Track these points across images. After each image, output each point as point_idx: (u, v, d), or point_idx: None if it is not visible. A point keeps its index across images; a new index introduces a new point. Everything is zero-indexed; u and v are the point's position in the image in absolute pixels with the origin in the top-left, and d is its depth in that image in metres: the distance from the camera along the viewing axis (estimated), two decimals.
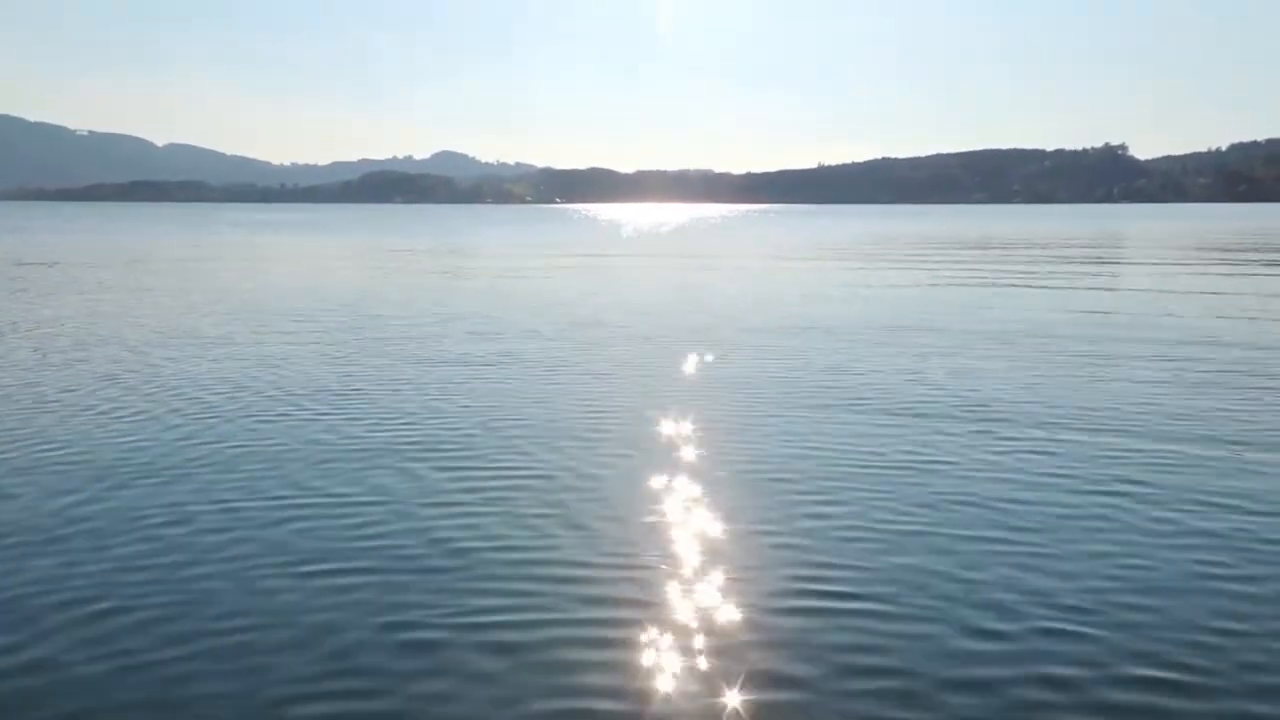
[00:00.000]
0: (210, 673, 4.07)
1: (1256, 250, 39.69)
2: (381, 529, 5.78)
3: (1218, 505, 6.18)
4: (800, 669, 4.06)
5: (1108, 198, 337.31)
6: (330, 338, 13.91)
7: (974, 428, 8.23)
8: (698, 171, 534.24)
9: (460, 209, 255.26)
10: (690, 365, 11.61)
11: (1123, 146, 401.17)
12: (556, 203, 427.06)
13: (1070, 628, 4.42)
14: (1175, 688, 3.95)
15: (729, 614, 4.59)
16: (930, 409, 9.00)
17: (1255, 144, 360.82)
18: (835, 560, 5.25)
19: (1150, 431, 8.08)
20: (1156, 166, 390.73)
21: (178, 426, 8.35)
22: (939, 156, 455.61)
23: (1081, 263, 32.95)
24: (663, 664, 4.13)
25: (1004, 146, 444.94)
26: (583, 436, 8.03)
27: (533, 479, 6.80)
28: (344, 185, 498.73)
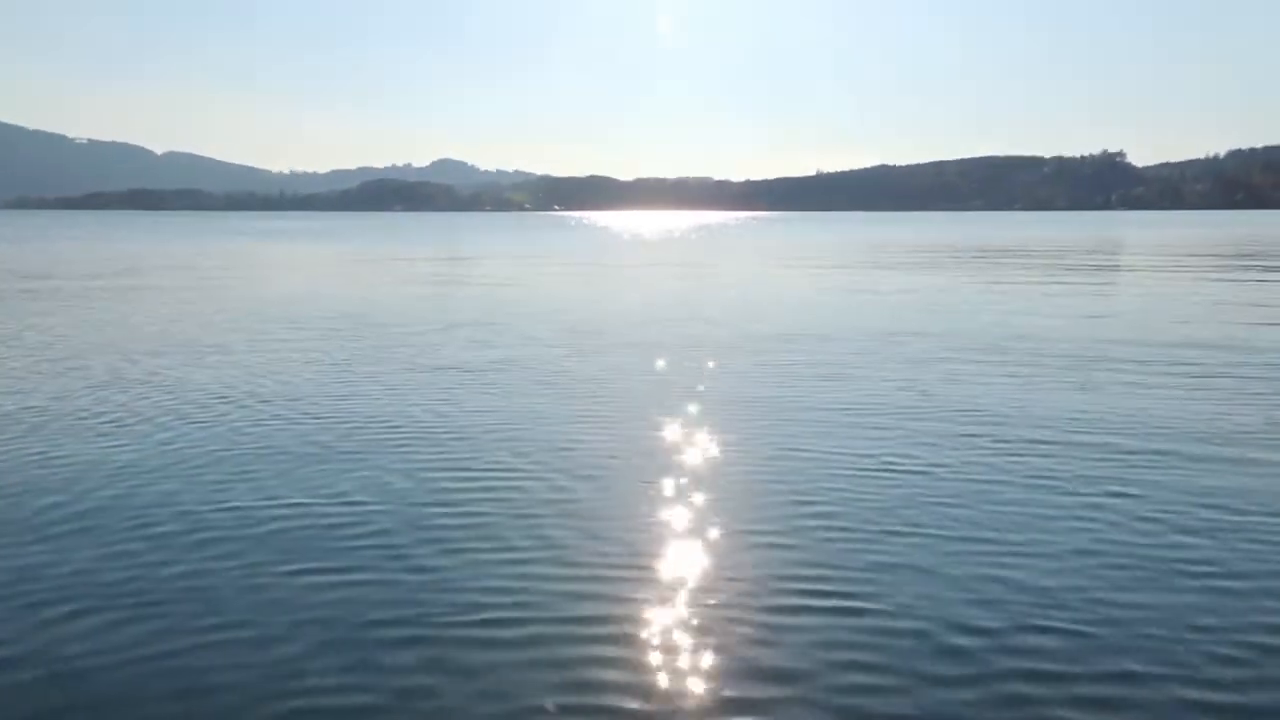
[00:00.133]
0: (209, 672, 4.11)
1: (1250, 257, 39.79)
2: (379, 531, 5.84)
3: (1208, 505, 6.25)
4: (793, 669, 4.12)
5: (1106, 205, 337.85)
6: (329, 345, 13.98)
7: (969, 431, 8.30)
8: (697, 179, 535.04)
9: (460, 216, 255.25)
10: (687, 371, 11.68)
11: (1121, 154, 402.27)
12: (556, 210, 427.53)
13: (1059, 624, 4.49)
14: (1161, 680, 4.01)
15: (723, 614, 4.64)
16: (925, 413, 9.08)
17: (1253, 151, 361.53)
18: (827, 560, 5.32)
19: (1141, 434, 8.15)
20: (1154, 174, 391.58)
21: (175, 429, 8.42)
22: (938, 164, 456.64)
23: (1079, 269, 33.05)
24: (656, 665, 4.18)
25: (1003, 154, 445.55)
26: (580, 441, 8.10)
27: (529, 482, 6.86)
28: (343, 193, 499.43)
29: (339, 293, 23.93)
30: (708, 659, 4.19)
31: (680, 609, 4.72)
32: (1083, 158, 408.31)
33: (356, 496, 6.53)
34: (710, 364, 12.16)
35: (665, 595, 4.89)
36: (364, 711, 3.85)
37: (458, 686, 4.00)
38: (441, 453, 7.71)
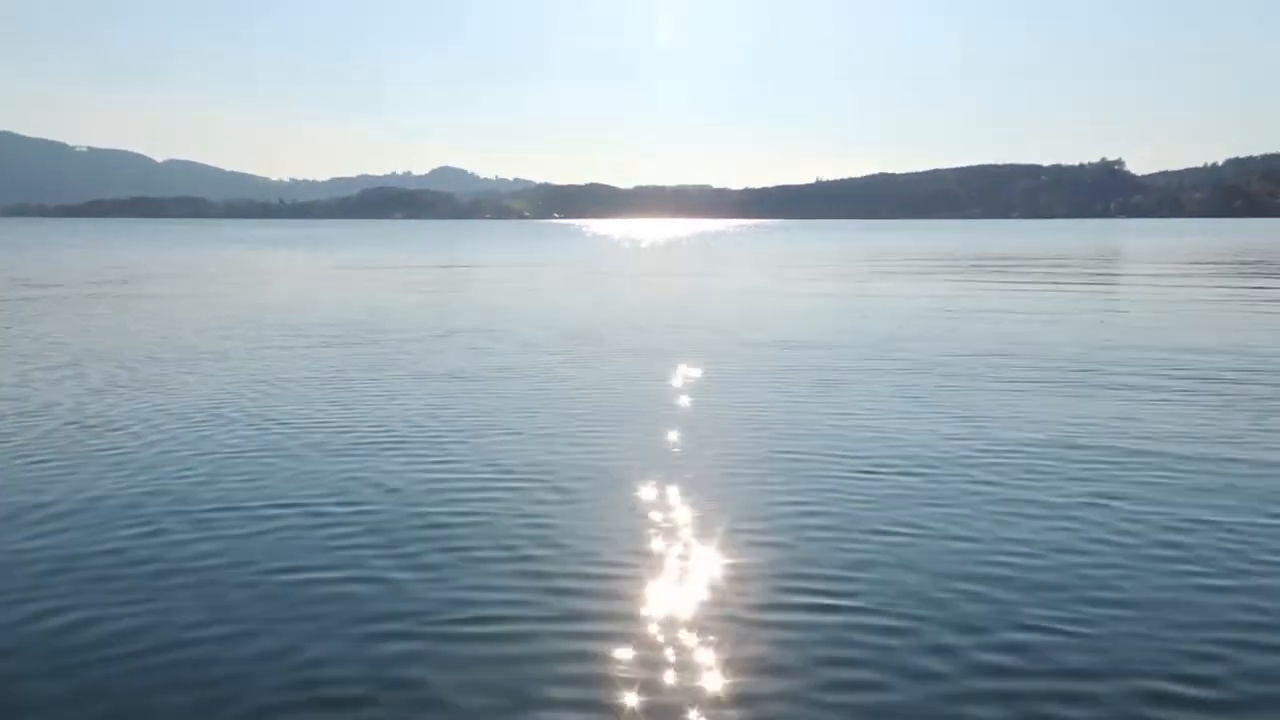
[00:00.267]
0: (209, 669, 4.13)
1: (1248, 265, 39.85)
2: (379, 533, 5.86)
3: (1201, 520, 6.27)
4: (785, 673, 4.13)
5: (1105, 213, 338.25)
6: (328, 352, 14.01)
7: (961, 433, 8.33)
8: (697, 187, 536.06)
9: (459, 224, 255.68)
10: (684, 378, 11.71)
11: (1119, 162, 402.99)
12: (555, 218, 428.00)
13: (1047, 622, 4.51)
14: (1146, 676, 4.03)
15: (716, 618, 4.65)
16: (920, 419, 9.10)
17: (1251, 159, 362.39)
18: (819, 569, 5.34)
19: (1133, 439, 8.18)
20: (1153, 182, 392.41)
21: (174, 434, 8.43)
22: (937, 172, 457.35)
23: (1078, 277, 33.10)
24: (649, 663, 4.20)
25: (1002, 162, 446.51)
26: (576, 446, 8.13)
27: (527, 484, 6.88)
28: (343, 201, 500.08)
29: (338, 300, 23.95)
30: (700, 657, 4.20)
31: (674, 608, 4.74)
32: (1082, 166, 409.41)
33: (355, 498, 6.55)
34: (708, 370, 12.18)
35: (659, 595, 4.92)
36: (362, 702, 3.89)
37: (457, 683, 4.03)
38: (441, 457, 7.73)
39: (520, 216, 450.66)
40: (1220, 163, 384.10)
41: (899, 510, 6.33)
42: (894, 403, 10.00)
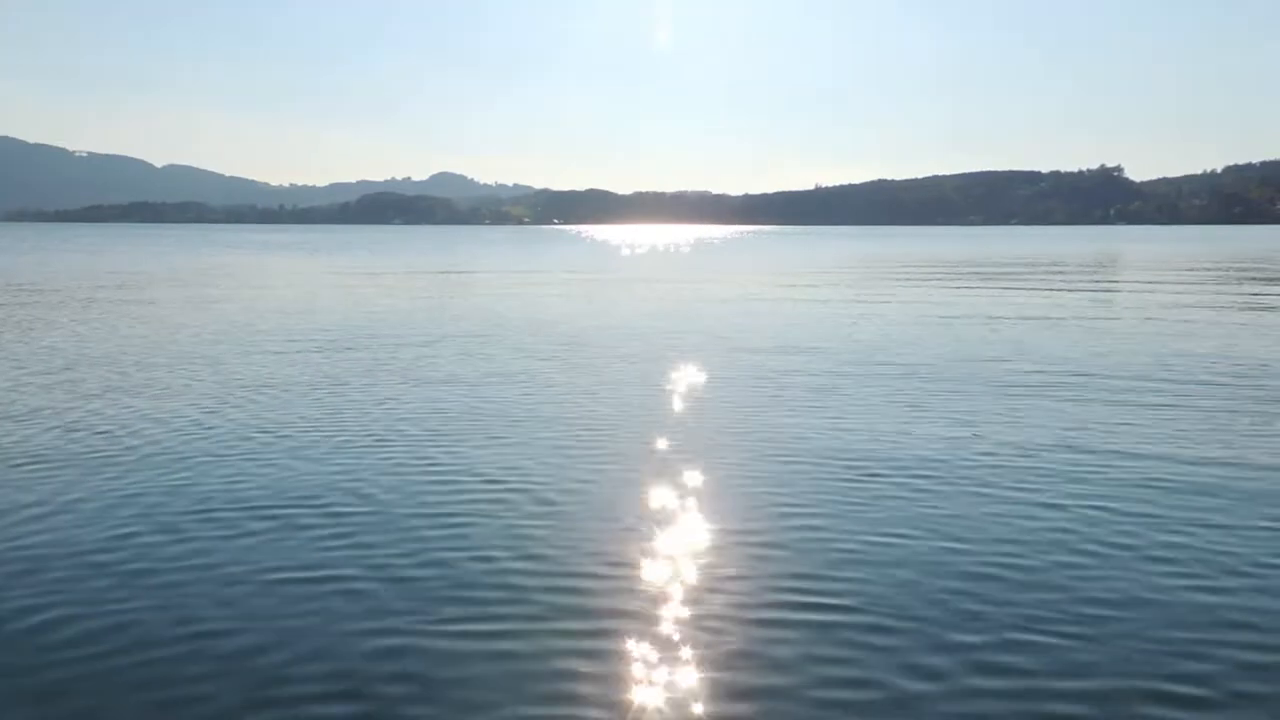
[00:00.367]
0: (207, 676, 4.08)
1: (1247, 271, 39.85)
2: (369, 540, 5.80)
3: (1197, 523, 6.22)
4: (783, 680, 4.10)
5: (1104, 219, 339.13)
6: (324, 357, 13.96)
7: (956, 435, 8.27)
8: (696, 193, 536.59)
9: (458, 230, 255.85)
10: (681, 384, 11.66)
11: (1119, 168, 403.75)
12: (554, 224, 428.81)
13: (1045, 635, 4.48)
14: (1140, 678, 4.01)
15: (712, 625, 4.62)
16: (918, 424, 9.05)
17: (1250, 166, 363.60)
18: (816, 573, 5.29)
19: (1132, 449, 8.13)
20: (1152, 189, 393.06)
21: (155, 439, 8.38)
22: (936, 178, 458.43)
23: (1075, 286, 33.08)
24: (644, 675, 4.16)
25: (1001, 168, 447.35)
26: (573, 452, 8.08)
27: (522, 492, 6.83)
28: (342, 206, 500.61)
29: (333, 306, 23.89)
30: (697, 659, 4.17)
31: (671, 610, 4.70)
32: (1081, 172, 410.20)
33: (343, 506, 6.48)
34: (706, 376, 12.13)
35: (657, 597, 4.87)
36: (328, 698, 3.87)
37: (442, 692, 3.99)
38: (434, 462, 7.67)
39: (519, 222, 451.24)
40: (1219, 169, 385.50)
41: (895, 514, 6.28)
42: (892, 408, 9.95)
